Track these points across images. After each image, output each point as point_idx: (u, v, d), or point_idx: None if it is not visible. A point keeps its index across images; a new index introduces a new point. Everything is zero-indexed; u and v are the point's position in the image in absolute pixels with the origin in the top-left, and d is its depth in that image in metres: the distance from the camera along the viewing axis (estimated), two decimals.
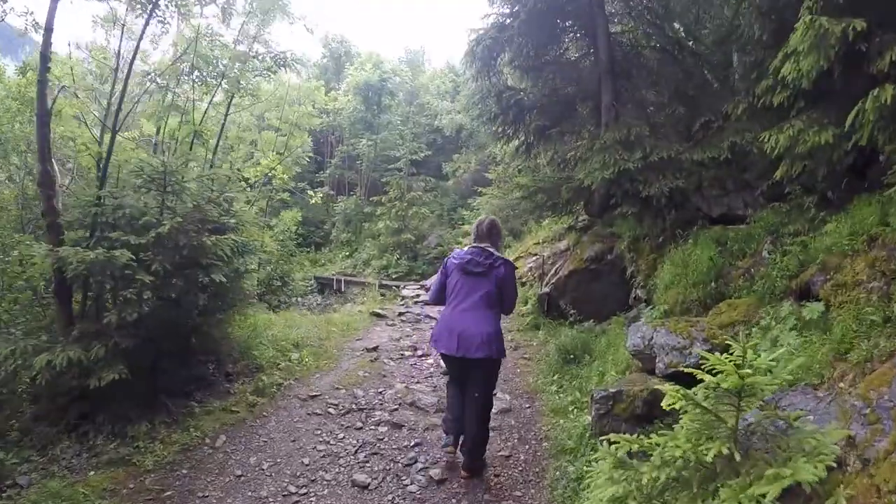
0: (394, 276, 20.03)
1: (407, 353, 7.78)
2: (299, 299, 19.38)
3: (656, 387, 3.94)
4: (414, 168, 22.91)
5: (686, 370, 2.75)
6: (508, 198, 14.85)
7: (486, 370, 4.05)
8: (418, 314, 10.26)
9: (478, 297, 3.97)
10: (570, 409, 5.42)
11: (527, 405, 5.91)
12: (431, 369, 7.14)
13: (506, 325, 8.93)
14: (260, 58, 9.33)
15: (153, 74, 9.74)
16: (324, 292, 19.96)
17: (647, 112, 7.16)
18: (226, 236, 5.83)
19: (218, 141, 9.98)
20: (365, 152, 25.42)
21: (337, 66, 30.56)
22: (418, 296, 12.33)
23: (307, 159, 14.03)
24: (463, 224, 19.31)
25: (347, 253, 24.37)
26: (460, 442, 4.24)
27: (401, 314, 10.23)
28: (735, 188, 6.83)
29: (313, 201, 17.83)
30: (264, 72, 9.17)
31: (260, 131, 12.71)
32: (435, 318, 9.33)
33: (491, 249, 4.11)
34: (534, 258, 10.91)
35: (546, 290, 8.70)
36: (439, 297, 4.24)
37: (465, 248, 4.21)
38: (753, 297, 4.78)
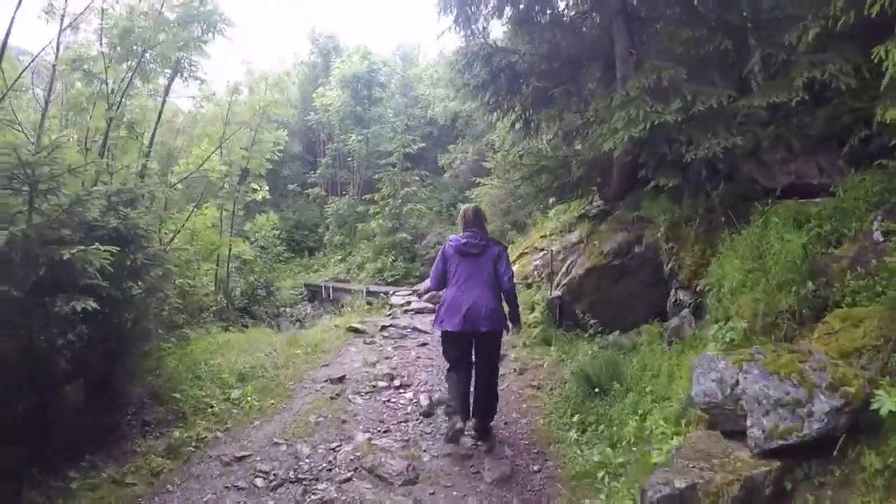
0: (390, 280, 18.31)
1: (381, 385, 6.06)
2: (287, 309, 17.76)
3: (752, 473, 2.24)
4: (408, 163, 21.14)
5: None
6: (509, 186, 13.09)
7: (492, 342, 4.41)
8: (405, 327, 8.55)
9: (478, 276, 4.27)
10: (600, 475, 3.69)
11: (535, 466, 4.17)
12: (409, 408, 5.42)
13: (510, 340, 7.22)
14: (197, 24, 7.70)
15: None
16: (314, 300, 18.29)
17: (677, 54, 5.35)
18: (105, 248, 4.12)
19: (154, 132, 8.32)
20: (356, 148, 23.66)
21: (326, 62, 28.74)
22: (408, 303, 10.63)
23: (278, 155, 12.31)
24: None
25: (341, 257, 22.67)
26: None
27: (383, 328, 8.52)
28: (805, 150, 5.05)
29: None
30: (197, 42, 7.52)
31: (226, 125, 11.13)
32: (423, 331, 7.64)
33: (482, 233, 4.48)
34: (540, 254, 9.16)
35: (557, 293, 6.96)
36: (441, 282, 4.48)
37: (460, 234, 4.50)
38: (882, 305, 3.03)
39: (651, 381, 4.79)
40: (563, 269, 7.71)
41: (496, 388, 4.55)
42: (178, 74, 8.92)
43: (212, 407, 5.59)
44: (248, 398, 5.82)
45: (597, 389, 5.04)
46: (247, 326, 11.04)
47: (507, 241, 13.61)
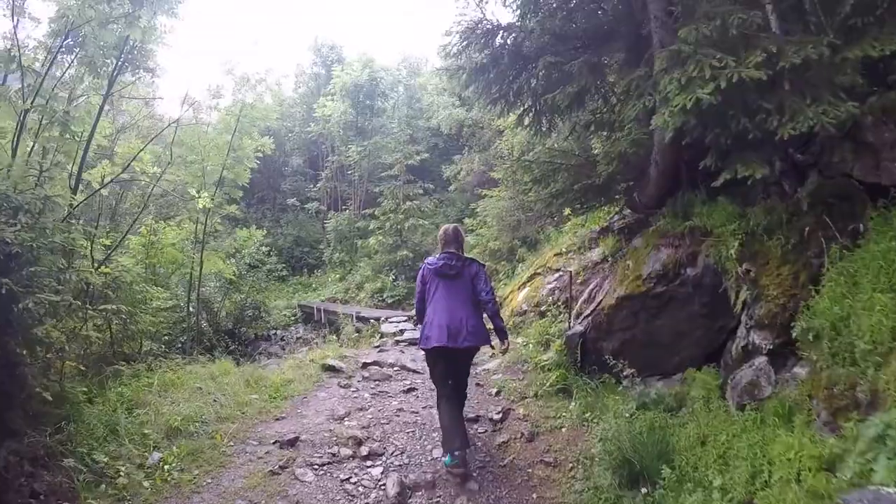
0: (390, 301, 16.82)
1: (344, 452, 4.52)
2: (278, 332, 16.29)
3: None
4: (412, 175, 19.78)
5: None
6: (518, 198, 11.60)
7: (470, 356, 4.61)
8: (391, 365, 7.02)
9: (458, 296, 4.32)
10: None
11: None
12: (373, 495, 3.87)
13: (518, 386, 5.68)
14: None
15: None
16: (308, 322, 16.82)
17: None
18: None
19: (92, 132, 6.92)
20: (356, 160, 22.35)
21: (328, 73, 27.57)
22: (401, 332, 9.12)
23: (256, 163, 10.95)
24: (468, 235, 16.10)
25: (340, 275, 21.22)
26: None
27: (365, 366, 6.99)
28: None
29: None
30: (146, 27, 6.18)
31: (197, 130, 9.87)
32: (413, 371, 6.32)
33: (459, 254, 4.49)
34: (556, 276, 7.64)
35: (578, 327, 5.41)
36: (423, 306, 4.51)
37: (437, 256, 4.53)
38: None
39: (717, 467, 3.26)
40: (585, 296, 6.17)
41: (466, 390, 4.76)
42: (126, 65, 7.58)
43: (118, 476, 4.15)
44: (169, 465, 4.37)
45: (638, 471, 3.51)
46: (214, 357, 9.54)
47: (516, 259, 12.08)
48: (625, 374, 4.76)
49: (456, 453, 4.00)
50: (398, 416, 5.25)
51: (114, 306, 6.18)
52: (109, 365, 6.41)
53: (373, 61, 24.01)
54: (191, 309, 10.36)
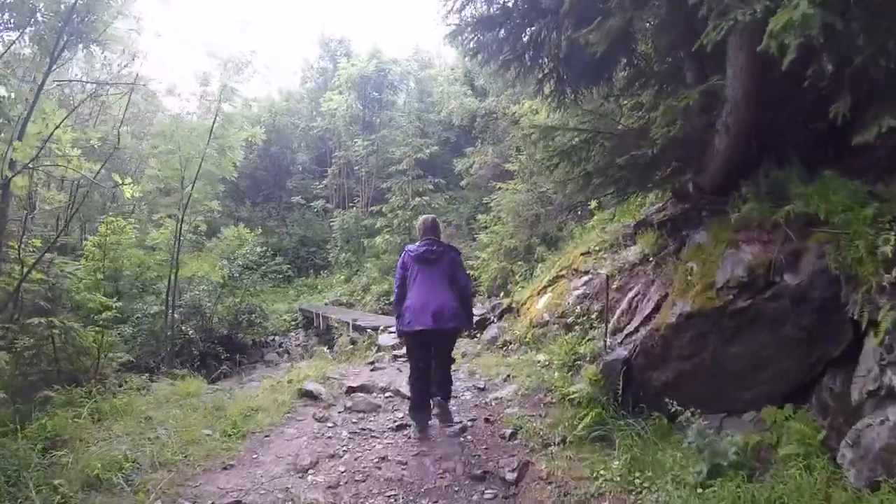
0: None
1: None
2: (276, 338, 15.12)
3: None
4: (421, 170, 18.50)
5: None
6: (537, 190, 10.27)
7: (452, 338, 4.78)
8: (382, 390, 5.75)
9: (438, 280, 4.49)
10: None
11: None
12: None
13: (539, 426, 4.37)
14: None
15: None
16: (310, 327, 15.63)
17: None
18: None
19: (29, 115, 5.71)
20: (363, 155, 21.12)
21: (336, 67, 26.41)
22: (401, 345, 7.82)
23: (242, 155, 9.81)
24: (481, 232, 14.78)
25: (346, 277, 19.98)
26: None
27: (350, 392, 5.73)
28: None
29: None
30: None
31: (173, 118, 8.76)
32: (408, 397, 4.98)
33: (439, 240, 4.72)
34: (584, 280, 6.31)
35: (621, 351, 4.08)
36: (403, 292, 4.63)
37: (418, 243, 4.70)
38: None
39: None
40: (624, 306, 4.85)
41: (451, 374, 4.75)
42: (73, 37, 6.42)
43: None
44: None
45: None
46: (193, 372, 8.34)
47: (535, 258, 10.73)
48: (679, 410, 3.45)
49: (421, 413, 4.48)
50: (379, 468, 3.96)
51: (43, 319, 5.02)
52: (44, 389, 5.26)
53: (380, 52, 22.74)
54: (172, 316, 9.21)
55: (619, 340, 4.40)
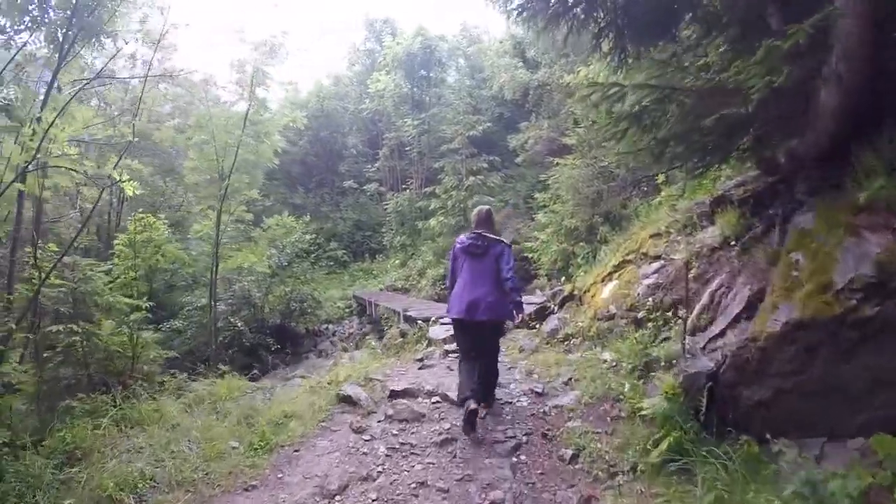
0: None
1: None
2: (330, 326, 14.96)
3: None
4: (474, 148, 17.78)
5: None
6: (597, 164, 9.41)
7: (493, 329, 4.73)
8: (428, 394, 5.21)
9: (481, 273, 4.55)
10: None
11: None
12: None
13: (605, 447, 3.72)
14: None
15: None
16: (363, 315, 15.39)
17: None
18: None
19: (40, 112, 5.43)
20: (414, 135, 20.57)
21: (382, 49, 25.99)
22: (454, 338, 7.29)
23: (278, 137, 9.40)
24: (539, 211, 14.00)
25: (401, 261, 19.64)
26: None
27: (394, 396, 5.23)
28: None
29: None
30: None
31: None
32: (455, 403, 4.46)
33: (487, 234, 4.68)
34: (655, 266, 5.56)
35: (706, 362, 3.37)
36: (453, 281, 4.77)
37: (466, 234, 4.78)
38: None
39: None
40: (705, 300, 4.10)
41: (496, 368, 4.85)
42: (80, 32, 6.13)
43: None
44: None
45: None
46: (220, 372, 8.15)
47: (598, 239, 9.92)
48: (778, 446, 2.72)
49: (471, 406, 4.18)
50: (416, 495, 3.46)
51: (62, 327, 4.77)
52: (70, 397, 5.06)
53: (425, 29, 21.99)
54: (215, 309, 9.05)
55: (700, 344, 3.67)
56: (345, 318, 15.69)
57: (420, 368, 6.27)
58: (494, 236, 4.74)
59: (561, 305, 7.67)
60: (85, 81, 6.79)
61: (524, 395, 5.06)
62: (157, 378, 6.30)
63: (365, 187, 23.63)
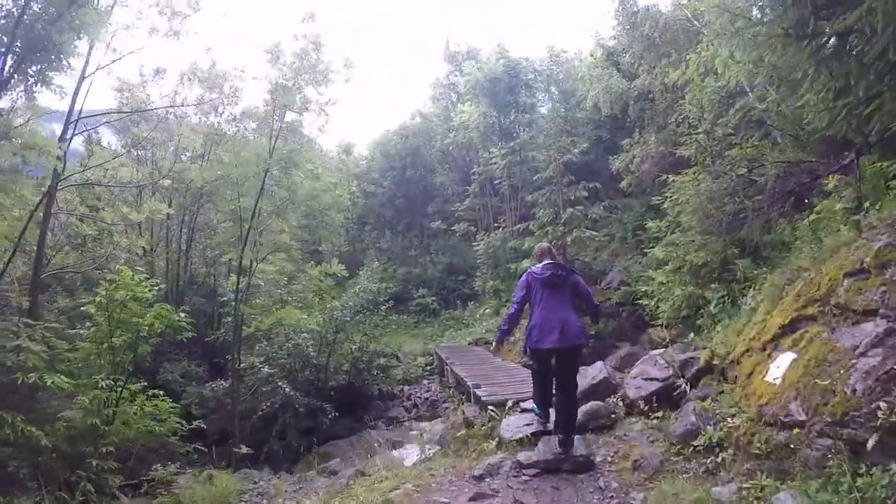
0: None
1: None
2: (406, 388, 12.93)
3: None
4: (571, 175, 15.44)
5: None
6: (734, 172, 6.78)
7: (577, 354, 4.80)
8: None
9: (564, 302, 4.69)
10: None
11: None
12: None
13: None
14: None
15: None
16: (444, 374, 13.28)
17: None
18: None
19: None
20: (502, 166, 18.55)
21: (463, 76, 24.72)
22: (536, 436, 4.95)
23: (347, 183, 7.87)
24: (654, 245, 11.33)
25: (494, 308, 17.39)
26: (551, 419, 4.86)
27: None
28: None
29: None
30: None
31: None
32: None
33: (563, 265, 4.95)
34: (871, 331, 2.98)
35: None
36: (520, 312, 4.91)
37: (541, 266, 4.82)
38: None
39: None
40: None
41: (576, 398, 4.84)
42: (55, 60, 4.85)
43: None
44: None
45: None
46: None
47: (736, 278, 7.18)
48: None
49: (543, 410, 4.95)
50: None
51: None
52: None
53: (507, 51, 20.26)
54: (237, 388, 7.40)
55: None
56: (424, 377, 13.68)
57: (472, 498, 4.02)
58: (568, 266, 5.04)
59: (695, 382, 5.13)
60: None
61: None
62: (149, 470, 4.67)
63: (454, 227, 21.89)
